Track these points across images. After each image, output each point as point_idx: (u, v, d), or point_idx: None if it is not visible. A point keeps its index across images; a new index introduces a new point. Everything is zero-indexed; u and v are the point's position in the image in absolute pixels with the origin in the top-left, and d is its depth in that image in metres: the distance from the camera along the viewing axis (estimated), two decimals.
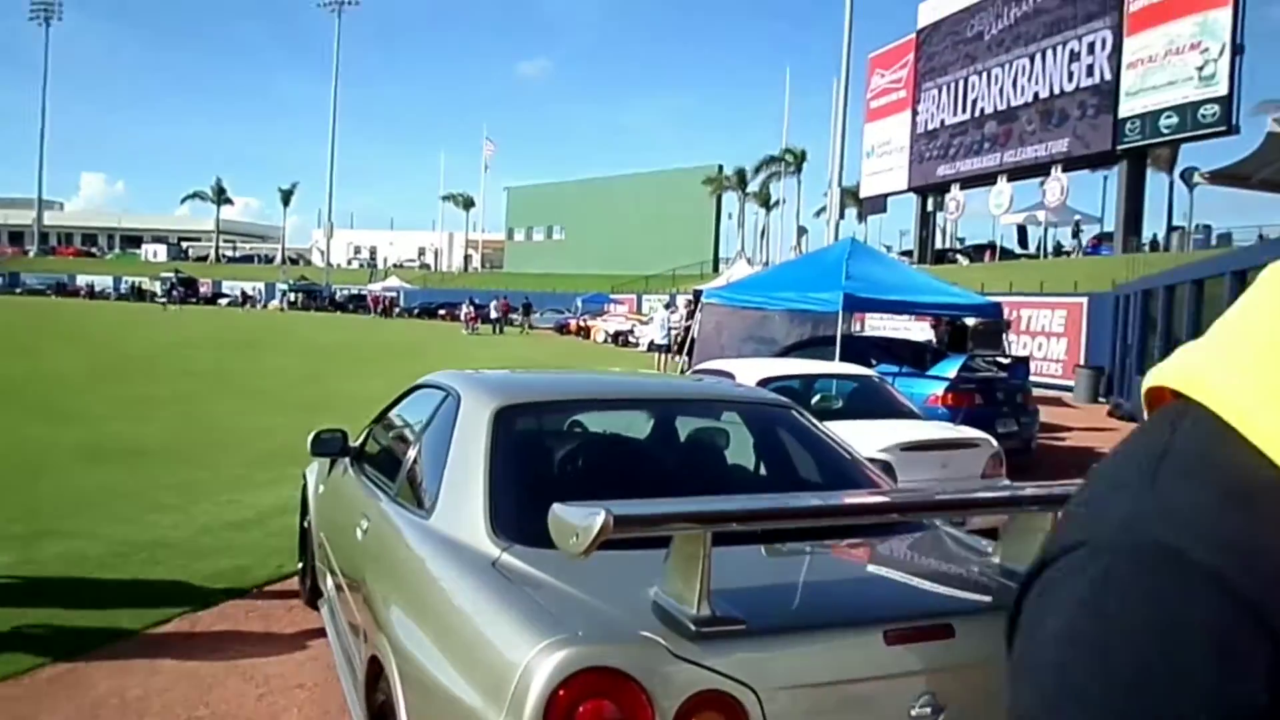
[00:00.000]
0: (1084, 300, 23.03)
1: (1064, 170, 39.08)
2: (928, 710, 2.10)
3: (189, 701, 4.01)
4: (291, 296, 70.36)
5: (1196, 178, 20.33)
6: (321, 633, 4.73)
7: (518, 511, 2.72)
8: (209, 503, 7.59)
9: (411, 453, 3.58)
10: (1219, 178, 16.61)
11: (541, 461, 3.29)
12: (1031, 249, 45.08)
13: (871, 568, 2.74)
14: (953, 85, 44.76)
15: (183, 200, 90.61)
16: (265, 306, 71.22)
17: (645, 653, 1.96)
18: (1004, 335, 13.99)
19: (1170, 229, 38.74)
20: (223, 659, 4.48)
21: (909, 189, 48.27)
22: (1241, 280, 11.52)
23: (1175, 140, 34.66)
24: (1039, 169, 40.02)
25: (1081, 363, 21.70)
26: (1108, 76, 36.10)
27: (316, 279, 77.23)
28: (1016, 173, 41.38)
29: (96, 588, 5.31)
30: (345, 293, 72.08)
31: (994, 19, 42.28)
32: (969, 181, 44.20)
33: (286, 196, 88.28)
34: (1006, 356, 11.83)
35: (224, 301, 73.56)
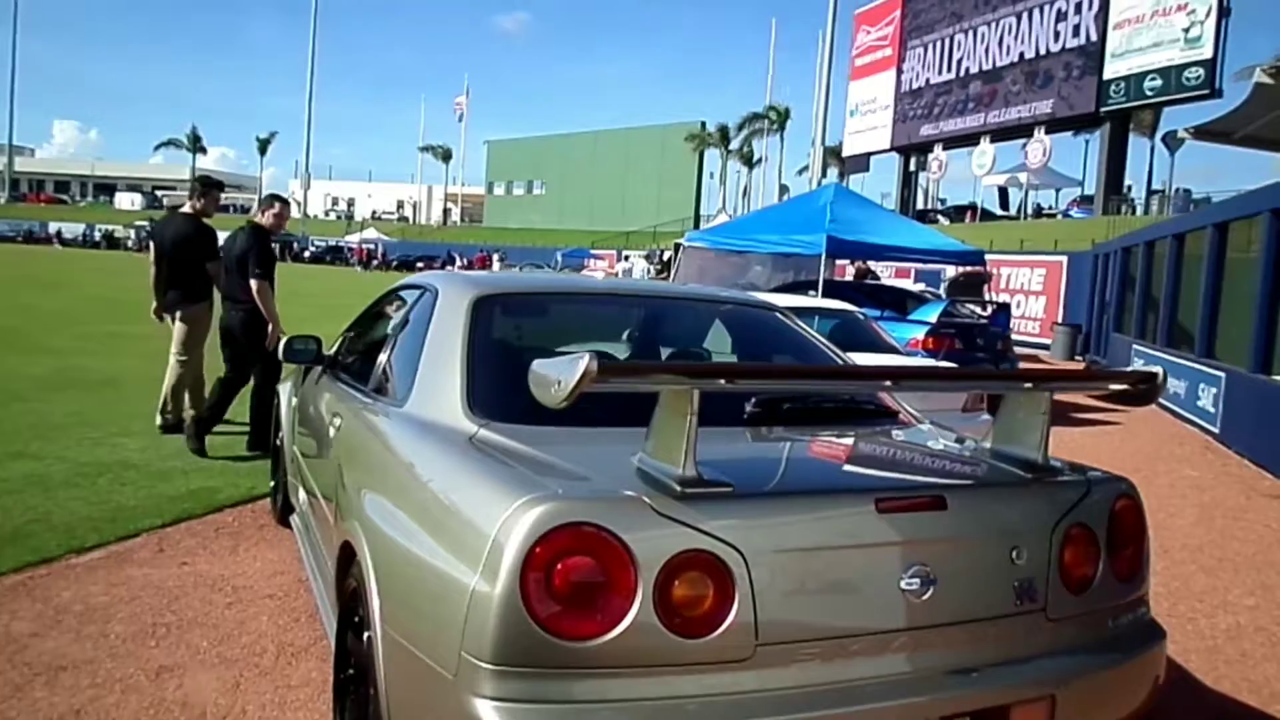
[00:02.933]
0: (1063, 259, 23.05)
1: (1047, 132, 38.98)
2: (917, 582, 2.03)
3: (155, 609, 3.91)
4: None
5: (1181, 133, 20.30)
6: (292, 550, 4.65)
7: (496, 391, 2.62)
8: (180, 430, 7.44)
9: (387, 348, 3.47)
10: (1203, 134, 16.54)
11: (521, 349, 3.16)
12: (1012, 211, 45.09)
13: (861, 448, 2.67)
14: (938, 44, 44.44)
15: (157, 148, 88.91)
16: None
17: (628, 510, 1.88)
18: (985, 285, 13.96)
19: (1150, 193, 38.81)
20: (190, 572, 4.38)
21: (892, 148, 48.06)
22: (1223, 233, 11.49)
23: (1159, 103, 34.65)
24: (1022, 130, 39.89)
25: (1059, 321, 21.77)
26: (1093, 37, 35.93)
27: (293, 230, 76.04)
28: (1000, 134, 41.24)
29: (61, 505, 5.18)
30: (320, 245, 70.51)
31: None
32: (952, 142, 44.03)
33: (264, 145, 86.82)
34: (987, 304, 11.81)
35: None
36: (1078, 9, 36.86)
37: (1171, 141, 38.71)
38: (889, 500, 2.07)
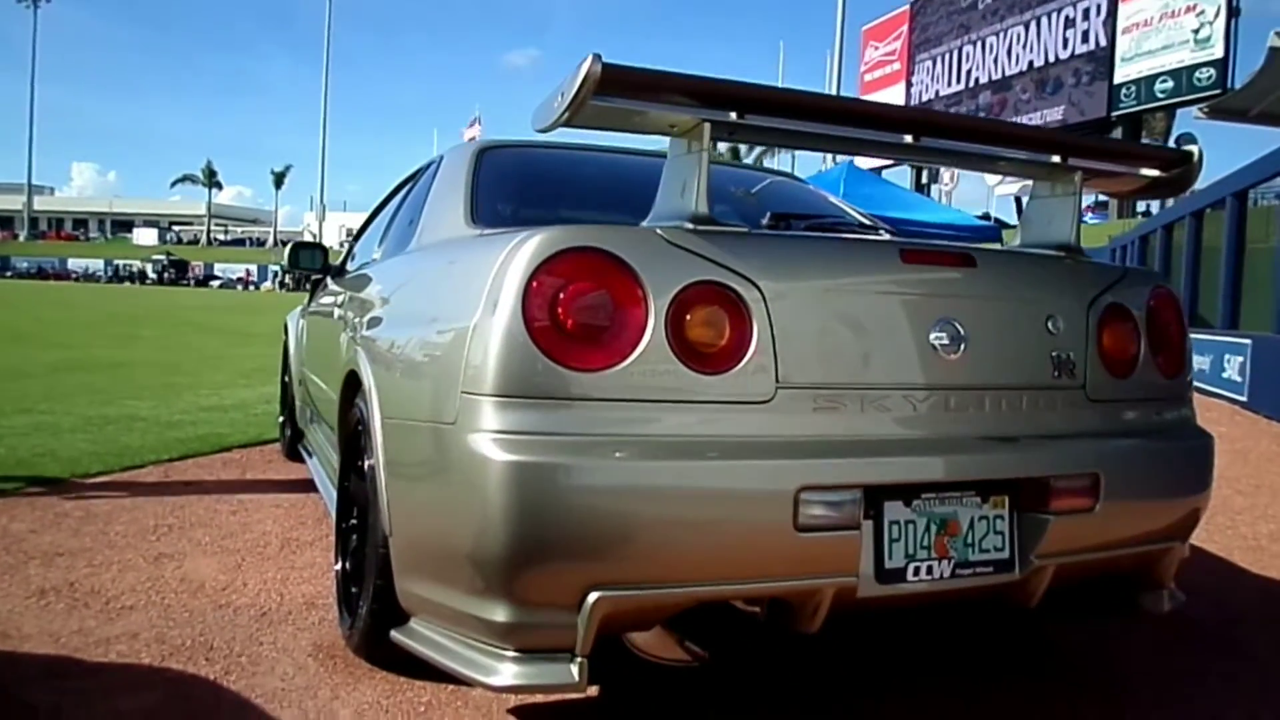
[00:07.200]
0: None
1: None
2: (946, 338, 1.90)
3: (158, 514, 3.80)
4: (285, 280, 69.62)
5: (1196, 113, 20.03)
6: (300, 475, 4.54)
7: (500, 206, 2.51)
8: (190, 395, 7.39)
9: (391, 224, 3.37)
10: (1218, 112, 16.32)
11: (528, 181, 3.01)
12: (1020, 240, 44.77)
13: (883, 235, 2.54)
14: (947, 56, 44.48)
15: (173, 184, 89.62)
16: (258, 288, 70.68)
17: (636, 238, 1.76)
18: None
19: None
20: (196, 490, 4.28)
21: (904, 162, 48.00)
22: (1242, 201, 11.31)
23: (1170, 105, 34.46)
24: None
25: None
26: (1102, 42, 35.86)
27: None
28: None
29: (67, 445, 5.09)
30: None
31: None
32: None
33: (279, 179, 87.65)
34: None
35: (216, 284, 72.95)
36: (1085, 15, 36.83)
37: (1185, 143, 38.43)
38: (915, 252, 1.94)
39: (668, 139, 1.92)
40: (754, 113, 1.83)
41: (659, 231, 1.78)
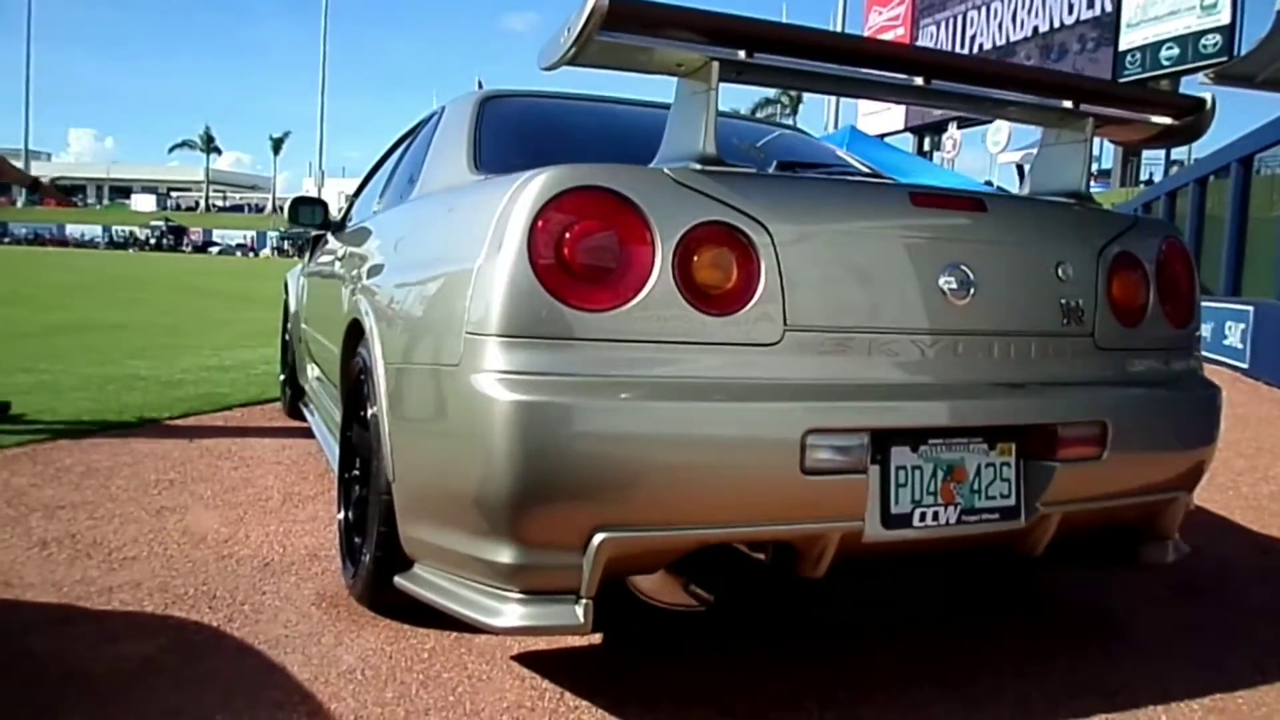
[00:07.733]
0: None
1: None
2: (955, 283, 1.88)
3: (159, 469, 3.80)
4: (284, 245, 69.25)
5: (1201, 79, 19.77)
6: (301, 433, 4.53)
7: (503, 153, 2.47)
8: (190, 356, 7.36)
9: (392, 175, 3.33)
10: (1224, 78, 16.14)
11: (531, 129, 2.97)
12: (1029, 189, 44.60)
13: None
14: (951, 21, 44.04)
15: (171, 149, 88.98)
16: (258, 254, 70.38)
17: (644, 178, 1.74)
18: None
19: (1170, 164, 38.30)
20: (197, 446, 4.27)
21: (906, 129, 47.63)
22: (1248, 167, 11.23)
23: (1176, 72, 34.12)
24: None
25: None
26: (1108, 8, 35.48)
27: None
28: None
29: (69, 403, 5.08)
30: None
31: None
32: (966, 120, 43.54)
33: (277, 144, 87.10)
34: None
35: (214, 250, 72.61)
36: None
37: None
38: (925, 195, 1.92)
39: (674, 83, 1.89)
40: (764, 52, 1.79)
41: (667, 171, 1.76)
